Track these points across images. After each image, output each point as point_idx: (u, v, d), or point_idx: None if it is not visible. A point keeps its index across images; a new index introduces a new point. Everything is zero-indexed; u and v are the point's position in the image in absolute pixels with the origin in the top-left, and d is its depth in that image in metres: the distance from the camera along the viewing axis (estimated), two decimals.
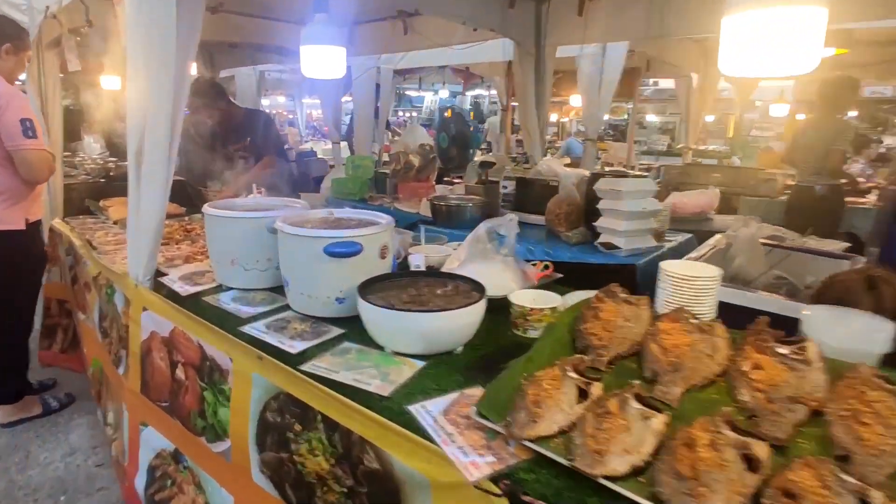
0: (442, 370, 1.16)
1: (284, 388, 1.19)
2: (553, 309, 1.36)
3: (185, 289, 1.65)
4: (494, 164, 3.39)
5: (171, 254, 2.11)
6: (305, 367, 1.15)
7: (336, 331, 1.34)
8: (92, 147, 5.12)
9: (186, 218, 2.86)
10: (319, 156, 6.75)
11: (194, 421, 1.54)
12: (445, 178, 4.27)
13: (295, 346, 1.24)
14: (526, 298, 1.40)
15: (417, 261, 1.58)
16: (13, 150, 2.30)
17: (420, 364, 1.17)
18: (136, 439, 1.87)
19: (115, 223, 2.71)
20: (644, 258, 2.44)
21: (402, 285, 1.37)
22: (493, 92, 6.78)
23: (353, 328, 1.35)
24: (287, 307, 1.48)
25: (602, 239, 2.51)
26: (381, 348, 1.24)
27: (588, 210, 2.82)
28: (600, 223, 2.50)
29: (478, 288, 1.33)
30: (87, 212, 3.03)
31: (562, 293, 1.47)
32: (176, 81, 1.54)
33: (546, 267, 1.78)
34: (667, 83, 8.05)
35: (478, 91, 8.92)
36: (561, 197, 2.88)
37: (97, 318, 2.26)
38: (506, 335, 1.37)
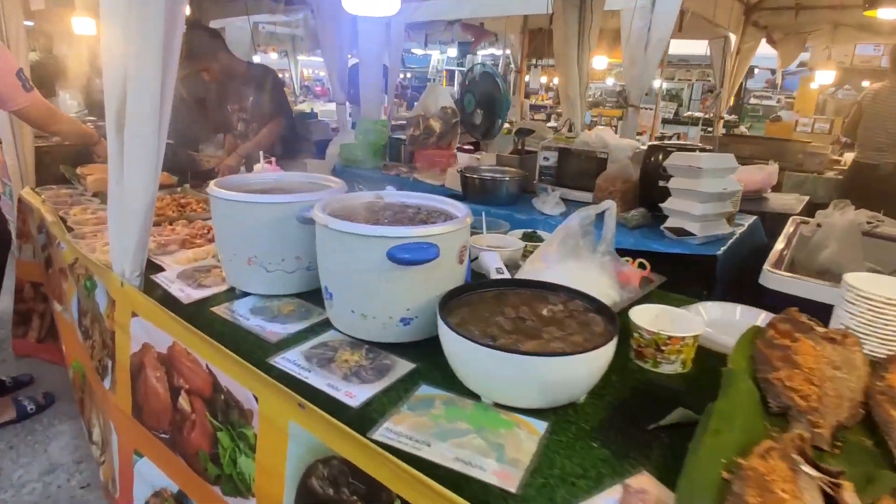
0: (572, 436, 0.81)
1: (340, 453, 0.84)
2: (695, 337, 1.00)
3: (186, 293, 1.27)
4: (533, 131, 2.99)
5: (164, 237, 1.71)
6: (377, 433, 0.79)
7: (403, 365, 0.97)
8: (68, 104, 4.59)
9: (179, 189, 2.45)
10: (320, 118, 6.24)
11: (204, 464, 1.19)
12: (465, 147, 3.86)
13: (354, 395, 0.88)
14: (648, 318, 1.05)
15: (494, 262, 1.21)
16: (19, 112, 1.96)
17: (540, 426, 0.82)
18: (128, 469, 1.52)
19: (94, 195, 2.30)
20: (721, 246, 2.09)
21: (491, 302, 1.01)
22: (508, 52, 6.26)
23: (426, 360, 0.99)
24: (327, 323, 1.11)
25: (670, 223, 2.15)
26: (472, 394, 0.89)
27: (644, 188, 2.47)
28: (670, 205, 2.14)
29: (599, 308, 0.98)
30: (63, 180, 2.59)
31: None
32: (168, 23, 1.13)
33: (642, 266, 1.43)
34: (686, 47, 7.54)
35: (490, 51, 8.35)
36: (614, 172, 2.51)
37: (76, 312, 1.87)
38: (628, 368, 1.02)
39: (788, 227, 2.33)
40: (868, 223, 2.19)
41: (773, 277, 1.69)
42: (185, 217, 1.97)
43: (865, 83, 5.92)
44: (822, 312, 1.51)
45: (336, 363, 0.96)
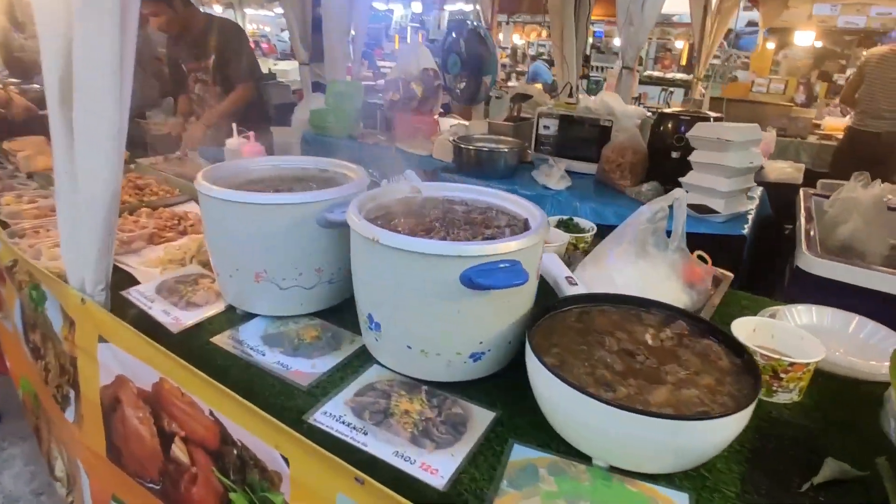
0: None
1: None
2: (817, 362, 0.85)
3: (173, 316, 1.01)
4: (531, 97, 2.75)
5: (127, 233, 1.41)
6: None
7: (480, 414, 0.77)
8: None
9: (132, 167, 2.10)
10: (280, 80, 5.71)
11: None
12: (449, 113, 3.58)
13: (435, 469, 0.67)
14: (745, 333, 0.89)
15: (561, 269, 1.00)
16: None
17: (680, 499, 0.64)
18: None
19: (28, 177, 1.92)
20: (745, 224, 1.97)
21: (578, 327, 0.81)
22: (479, 7, 5.88)
23: (502, 402, 0.80)
24: (364, 353, 0.89)
25: (691, 200, 2.00)
26: (577, 452, 0.70)
27: (655, 160, 2.31)
28: (691, 180, 1.98)
29: (710, 330, 0.80)
30: None
31: None
32: None
33: (702, 259, 1.26)
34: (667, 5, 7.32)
35: (459, 6, 7.85)
36: (622, 142, 2.33)
37: (20, 323, 1.55)
38: None
39: (803, 201, 2.24)
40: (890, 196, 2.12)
41: (818, 263, 1.58)
42: (147, 204, 1.66)
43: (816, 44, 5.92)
44: (868, 300, 1.42)
45: (395, 417, 0.75)
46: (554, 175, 2.32)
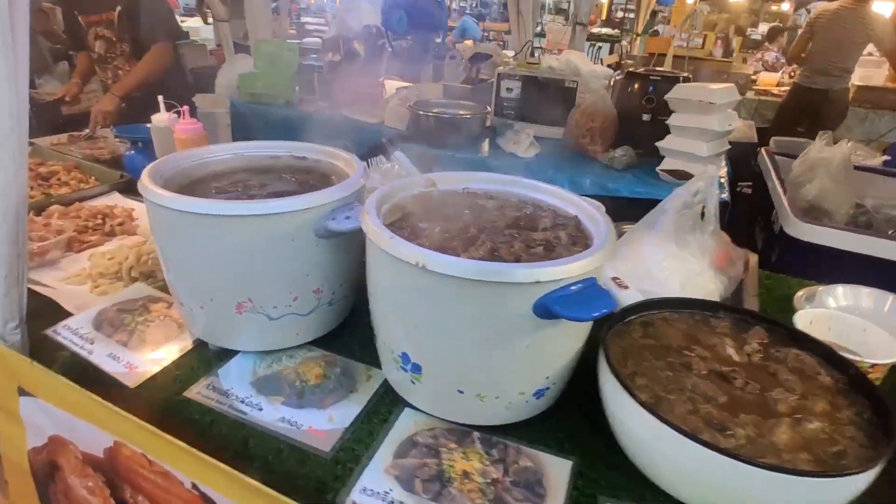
0: None
1: None
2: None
3: (125, 362, 0.77)
4: (490, 56, 2.54)
5: (37, 239, 1.12)
6: None
7: (554, 466, 0.63)
8: None
9: (29, 148, 1.71)
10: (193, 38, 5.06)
11: None
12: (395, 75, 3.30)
13: None
14: (820, 331, 0.80)
15: (608, 270, 0.86)
16: None
17: None
18: None
19: None
20: (724, 191, 1.93)
21: (655, 347, 0.68)
22: None
23: (575, 445, 0.66)
24: (387, 392, 0.72)
25: (668, 165, 1.94)
26: (671, 498, 0.58)
27: (625, 123, 2.21)
28: (670, 145, 1.91)
29: (793, 335, 0.70)
30: None
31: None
32: None
33: None
34: None
35: None
36: (591, 105, 2.20)
37: None
38: None
39: (769, 162, 2.24)
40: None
41: (809, 229, 1.56)
42: (58, 200, 1.34)
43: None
44: (870, 268, 1.42)
45: (454, 483, 0.59)
46: (522, 142, 2.17)
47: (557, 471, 0.62)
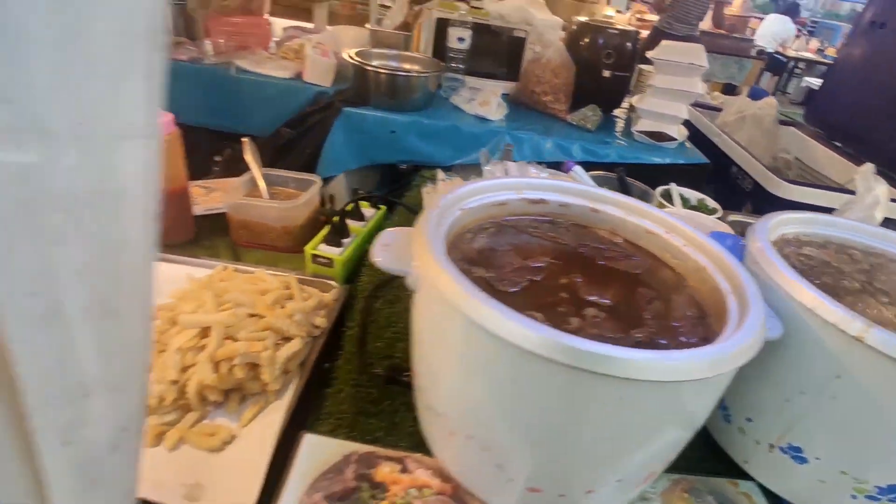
0: None
1: None
2: None
3: None
4: None
5: None
6: None
7: None
8: None
9: None
10: None
11: None
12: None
13: None
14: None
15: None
16: None
17: None
18: None
19: None
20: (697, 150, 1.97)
21: None
22: None
23: None
24: None
25: (645, 126, 1.92)
26: None
27: (583, 79, 2.11)
28: (648, 106, 1.88)
29: None
30: None
31: None
32: None
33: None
34: None
35: None
36: (550, 59, 2.06)
37: None
38: None
39: (699, 118, 2.36)
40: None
41: (789, 188, 1.68)
42: None
43: None
44: None
45: None
46: (491, 102, 1.94)
47: None
